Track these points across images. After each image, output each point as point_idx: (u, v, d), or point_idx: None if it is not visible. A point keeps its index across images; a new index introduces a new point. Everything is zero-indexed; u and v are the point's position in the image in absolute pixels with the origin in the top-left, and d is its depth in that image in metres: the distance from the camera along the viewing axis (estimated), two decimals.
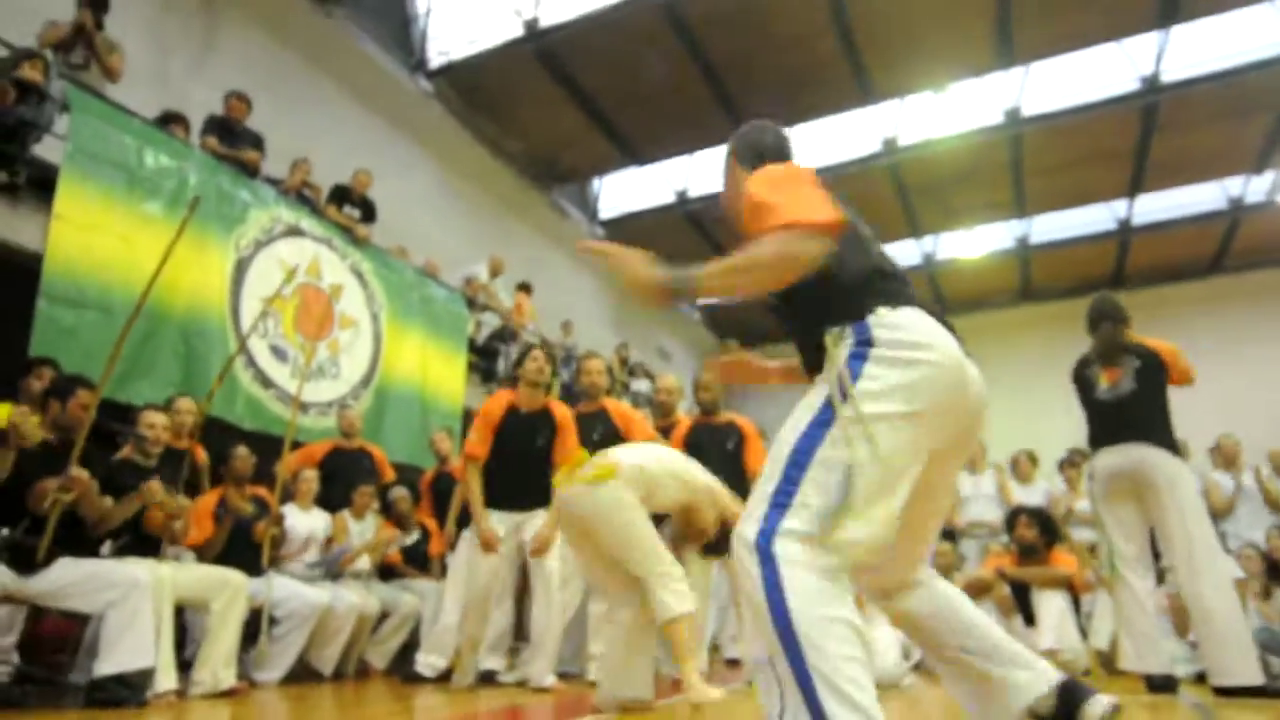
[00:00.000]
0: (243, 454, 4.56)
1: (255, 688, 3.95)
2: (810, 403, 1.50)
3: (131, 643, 3.06)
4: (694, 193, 12.58)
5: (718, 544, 3.50)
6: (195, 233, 5.48)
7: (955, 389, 1.51)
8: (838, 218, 1.47)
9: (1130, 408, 3.77)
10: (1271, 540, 4.99)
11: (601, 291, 13.77)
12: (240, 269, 5.84)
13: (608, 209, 13.54)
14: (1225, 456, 6.56)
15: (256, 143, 6.38)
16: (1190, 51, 9.53)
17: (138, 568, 3.27)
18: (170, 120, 5.84)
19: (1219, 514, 6.34)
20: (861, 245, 1.65)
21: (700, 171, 12.42)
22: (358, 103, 9.38)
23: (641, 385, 10.75)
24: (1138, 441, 3.69)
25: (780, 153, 1.92)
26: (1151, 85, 9.72)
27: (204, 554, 4.15)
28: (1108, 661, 5.19)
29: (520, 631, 5.01)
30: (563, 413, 4.38)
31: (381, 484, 5.59)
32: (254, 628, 4.07)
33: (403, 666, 4.65)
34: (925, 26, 9.12)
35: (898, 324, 1.50)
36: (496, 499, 4.24)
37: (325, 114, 8.86)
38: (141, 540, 3.62)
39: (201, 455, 4.62)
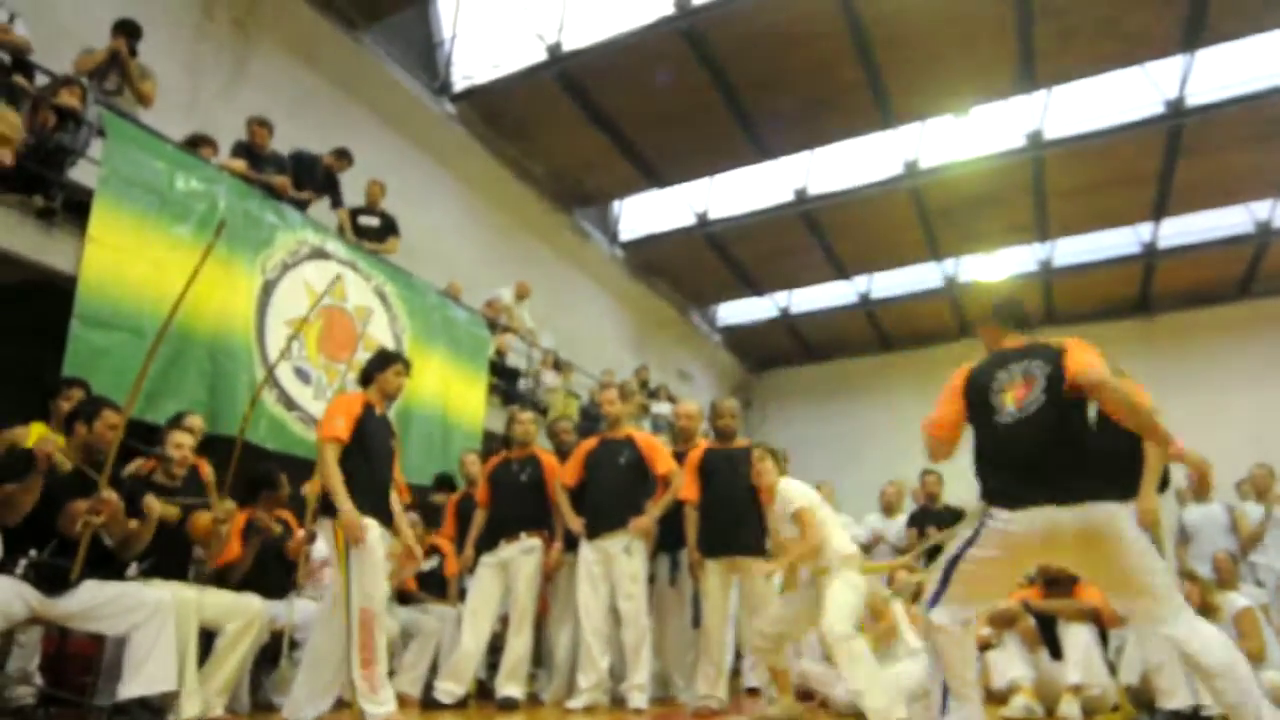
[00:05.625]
0: (281, 479, 4.59)
1: (275, 711, 3.95)
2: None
3: (156, 666, 3.08)
4: (714, 214, 12.62)
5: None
6: (222, 255, 5.53)
7: None
8: None
9: None
10: None
11: (621, 313, 13.79)
12: (266, 291, 5.90)
13: (628, 231, 13.60)
14: (1257, 486, 6.42)
15: (282, 166, 6.48)
16: (1216, 75, 9.46)
17: (163, 590, 3.29)
18: (199, 143, 5.90)
19: (1247, 544, 6.20)
20: None
21: (720, 194, 12.47)
22: (383, 126, 9.50)
23: (662, 408, 10.71)
24: None
25: None
26: (1176, 109, 9.65)
27: (231, 575, 4.15)
28: (1137, 697, 5.06)
29: (539, 658, 4.99)
30: (549, 457, 5.02)
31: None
32: (275, 651, 4.07)
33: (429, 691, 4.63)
34: (947, 51, 9.12)
35: None
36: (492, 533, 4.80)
37: (352, 137, 8.95)
38: (168, 562, 3.64)
39: (206, 470, 4.58)
